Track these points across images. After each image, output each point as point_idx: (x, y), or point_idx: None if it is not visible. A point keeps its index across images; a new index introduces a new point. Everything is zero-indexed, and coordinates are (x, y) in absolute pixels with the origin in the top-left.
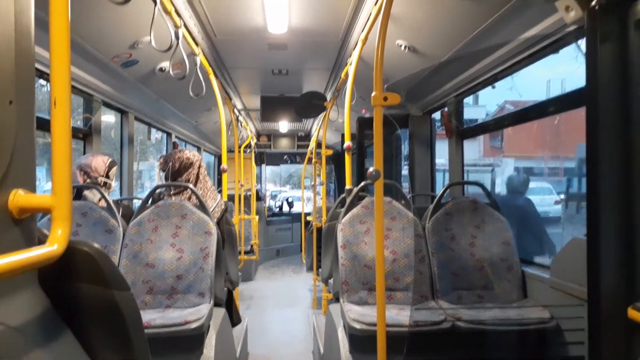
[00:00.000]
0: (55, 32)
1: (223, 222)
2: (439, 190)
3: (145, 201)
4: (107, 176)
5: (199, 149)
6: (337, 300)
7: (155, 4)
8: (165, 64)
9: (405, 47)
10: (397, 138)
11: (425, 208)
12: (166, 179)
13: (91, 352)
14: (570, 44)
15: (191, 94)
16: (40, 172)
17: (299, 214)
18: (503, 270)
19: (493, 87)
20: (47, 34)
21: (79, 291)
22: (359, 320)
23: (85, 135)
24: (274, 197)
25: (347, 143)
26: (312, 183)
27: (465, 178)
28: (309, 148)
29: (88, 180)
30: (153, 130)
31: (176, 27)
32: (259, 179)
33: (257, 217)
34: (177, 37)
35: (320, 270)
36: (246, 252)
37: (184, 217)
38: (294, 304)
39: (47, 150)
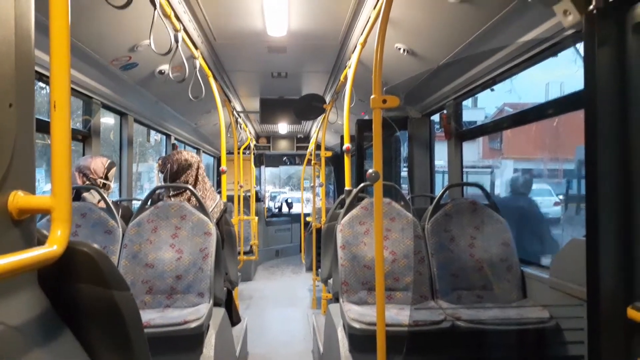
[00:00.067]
0: (55, 36)
1: (222, 223)
2: (439, 192)
3: (144, 202)
4: (106, 177)
5: (198, 150)
6: (336, 300)
7: (155, 8)
8: (165, 67)
9: (404, 50)
10: (397, 140)
11: (425, 209)
12: (165, 180)
13: (91, 352)
14: (568, 47)
15: (190, 96)
16: (40, 174)
17: (299, 215)
18: (502, 271)
19: (492, 90)
20: (47, 37)
21: (79, 291)
22: (359, 320)
23: (84, 137)
24: (273, 198)
25: (347, 145)
26: (312, 184)
27: (465, 180)
28: (308, 150)
29: (87, 182)
30: (152, 132)
31: (175, 30)
32: (258, 180)
33: (256, 218)
34: (176, 41)
35: (319, 270)
36: (245, 253)
37: (184, 217)
38: (294, 303)
39: (46, 151)
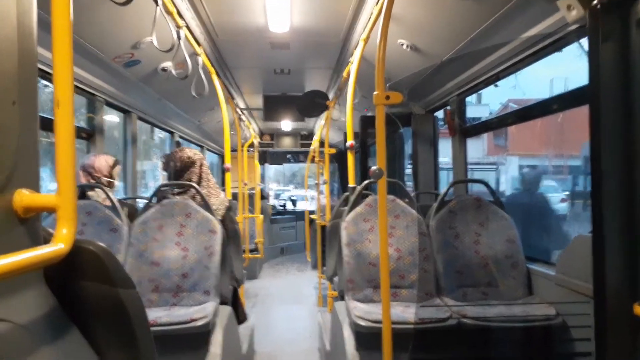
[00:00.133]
0: (58, 33)
1: (227, 221)
2: (443, 189)
3: (149, 200)
4: (111, 176)
5: (202, 148)
6: (342, 298)
7: (157, 4)
8: (168, 64)
9: (407, 46)
10: (400, 137)
11: (429, 206)
12: (169, 178)
13: (97, 350)
14: (572, 42)
15: (193, 93)
16: (45, 173)
17: (303, 213)
18: (508, 268)
19: (495, 86)
20: (50, 35)
21: (85, 289)
22: (365, 317)
23: (88, 135)
24: (277, 196)
25: (350, 142)
26: (316, 182)
27: (470, 177)
28: (312, 147)
29: (92, 181)
30: (156, 130)
31: (178, 27)
32: (262, 178)
33: (261, 216)
34: (179, 38)
35: (324, 268)
36: (251, 251)
37: (189, 216)
38: (299, 301)
39: (51, 150)
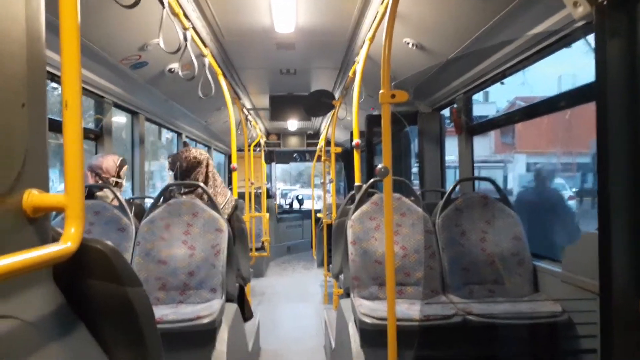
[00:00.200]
0: (66, 35)
1: (234, 220)
2: (449, 187)
3: (157, 200)
4: (118, 176)
5: (209, 148)
6: (347, 295)
7: (164, 6)
8: (174, 66)
9: (412, 45)
10: (406, 135)
11: (435, 204)
12: (175, 179)
13: (105, 347)
14: (579, 39)
15: (200, 94)
16: (54, 174)
17: (309, 211)
18: (514, 265)
19: (502, 84)
20: (58, 38)
21: (93, 288)
22: (370, 314)
23: (96, 136)
24: (284, 195)
25: (356, 140)
26: (322, 181)
27: (477, 175)
28: (318, 146)
29: (99, 182)
30: (164, 131)
31: (184, 29)
32: (269, 177)
33: (267, 215)
34: (185, 39)
35: (330, 266)
36: (257, 249)
37: (195, 215)
38: (305, 299)
39: (60, 151)
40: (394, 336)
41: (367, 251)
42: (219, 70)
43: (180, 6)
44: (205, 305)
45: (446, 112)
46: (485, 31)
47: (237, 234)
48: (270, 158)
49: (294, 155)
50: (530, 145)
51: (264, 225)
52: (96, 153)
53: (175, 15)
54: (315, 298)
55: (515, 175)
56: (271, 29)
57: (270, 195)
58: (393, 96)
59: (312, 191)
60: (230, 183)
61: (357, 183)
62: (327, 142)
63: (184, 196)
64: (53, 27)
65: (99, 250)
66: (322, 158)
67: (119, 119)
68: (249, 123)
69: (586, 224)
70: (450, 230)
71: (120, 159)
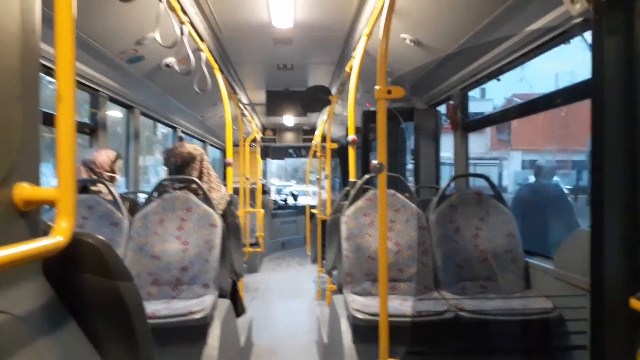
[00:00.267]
0: (60, 28)
1: (228, 215)
2: (444, 184)
3: (151, 194)
4: (112, 170)
5: (205, 143)
6: (340, 291)
7: (161, 0)
8: (171, 60)
9: (409, 40)
10: (402, 132)
11: (430, 201)
12: (169, 174)
13: (95, 342)
14: (576, 36)
15: (196, 89)
16: (48, 169)
17: (304, 207)
18: (507, 262)
19: (498, 80)
20: (52, 31)
21: (83, 282)
22: (362, 310)
23: (91, 130)
24: (279, 191)
25: (352, 136)
26: (318, 177)
27: (472, 171)
28: (314, 142)
29: (93, 177)
30: (159, 125)
31: (181, 23)
32: (264, 173)
33: (262, 210)
34: (182, 34)
35: (324, 261)
36: (251, 245)
37: (189, 210)
38: (299, 295)
39: (55, 145)
40: (386, 332)
41: (360, 247)
42: (215, 65)
43: (178, 0)
44: (198, 300)
45: (442, 108)
46: (483, 27)
47: (231, 229)
48: (265, 153)
49: (290, 150)
50: (526, 143)
51: (258, 221)
52: (91, 147)
53: (173, 9)
54: (309, 294)
55: (511, 172)
56: (269, 24)
57: (265, 191)
58: (389, 92)
59: (307, 186)
60: (225, 178)
61: (352, 179)
62: (323, 138)
63: (178, 191)
64: (48, 20)
65: (91, 244)
66: (318, 154)
67: (115, 113)
68: (244, 118)
69: (581, 221)
70: (444, 226)
71: (115, 153)
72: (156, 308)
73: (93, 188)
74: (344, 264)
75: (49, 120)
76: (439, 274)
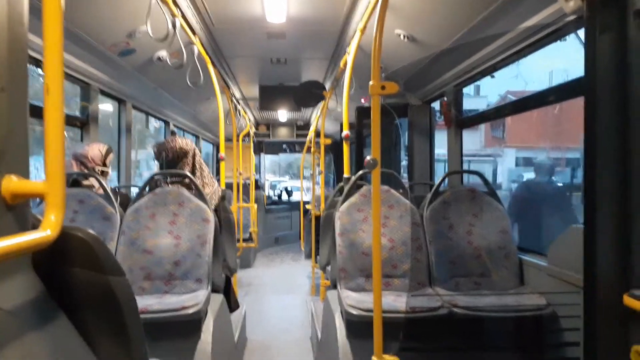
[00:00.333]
0: (48, 19)
1: (221, 210)
2: (438, 180)
3: (142, 189)
4: (104, 164)
5: (197, 137)
6: (334, 287)
7: None
8: (163, 53)
9: (404, 36)
10: (396, 128)
11: (424, 197)
12: (161, 168)
13: (86, 337)
14: (570, 33)
15: (189, 83)
16: (39, 162)
17: (298, 203)
18: (500, 258)
19: (492, 77)
20: (40, 21)
21: (73, 276)
22: (356, 306)
23: (82, 123)
24: (273, 187)
25: (346, 132)
26: (311, 172)
27: (466, 168)
28: (308, 137)
29: (85, 170)
30: (152, 119)
31: (173, 16)
32: (257, 168)
33: (255, 205)
34: (174, 27)
35: (318, 257)
36: (245, 240)
37: (182, 204)
38: (293, 290)
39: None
40: (380, 328)
41: (354, 243)
42: (208, 59)
43: None
44: (191, 295)
45: (436, 105)
46: (477, 23)
47: (224, 224)
48: (259, 148)
49: (284, 146)
50: (520, 140)
51: (252, 216)
52: (82, 141)
53: (164, 1)
54: (303, 289)
55: (505, 169)
56: (262, 18)
57: (258, 187)
58: (383, 88)
59: (301, 182)
60: (218, 173)
61: (346, 175)
62: (317, 134)
63: (170, 185)
64: (36, 10)
65: (80, 238)
66: (312, 149)
67: (106, 106)
68: (238, 113)
69: (576, 218)
70: (437, 223)
71: (106, 147)
72: (149, 303)
73: (85, 182)
74: (338, 260)
75: (38, 112)
76: (432, 270)
